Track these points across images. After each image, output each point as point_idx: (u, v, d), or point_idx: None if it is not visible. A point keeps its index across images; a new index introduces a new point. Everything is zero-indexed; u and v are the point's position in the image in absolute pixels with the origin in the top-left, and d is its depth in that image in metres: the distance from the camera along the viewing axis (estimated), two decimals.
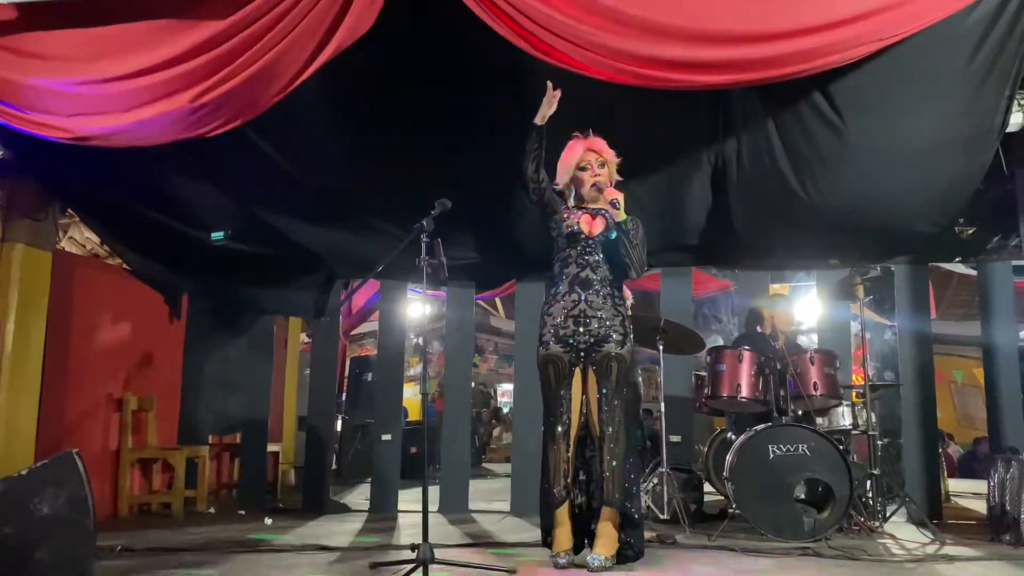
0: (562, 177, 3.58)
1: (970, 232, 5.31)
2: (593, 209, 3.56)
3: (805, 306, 7.74)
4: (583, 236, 3.52)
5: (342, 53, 3.56)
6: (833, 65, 3.55)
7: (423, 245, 3.33)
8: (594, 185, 3.51)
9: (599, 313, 3.44)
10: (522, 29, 3.42)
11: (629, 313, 3.58)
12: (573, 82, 3.69)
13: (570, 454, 3.42)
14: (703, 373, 5.20)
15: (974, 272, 5.97)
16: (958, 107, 3.97)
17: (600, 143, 3.57)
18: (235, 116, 3.76)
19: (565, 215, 3.57)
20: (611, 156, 3.57)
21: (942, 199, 4.60)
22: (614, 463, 3.34)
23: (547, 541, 3.47)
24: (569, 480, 3.42)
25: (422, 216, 3.37)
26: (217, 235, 5.32)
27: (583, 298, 3.45)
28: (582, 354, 3.44)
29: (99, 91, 3.68)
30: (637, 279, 3.63)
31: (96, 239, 6.34)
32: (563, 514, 3.40)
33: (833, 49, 3.49)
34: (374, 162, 4.68)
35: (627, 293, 5.76)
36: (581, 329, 3.43)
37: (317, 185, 4.85)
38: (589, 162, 3.55)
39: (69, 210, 5.58)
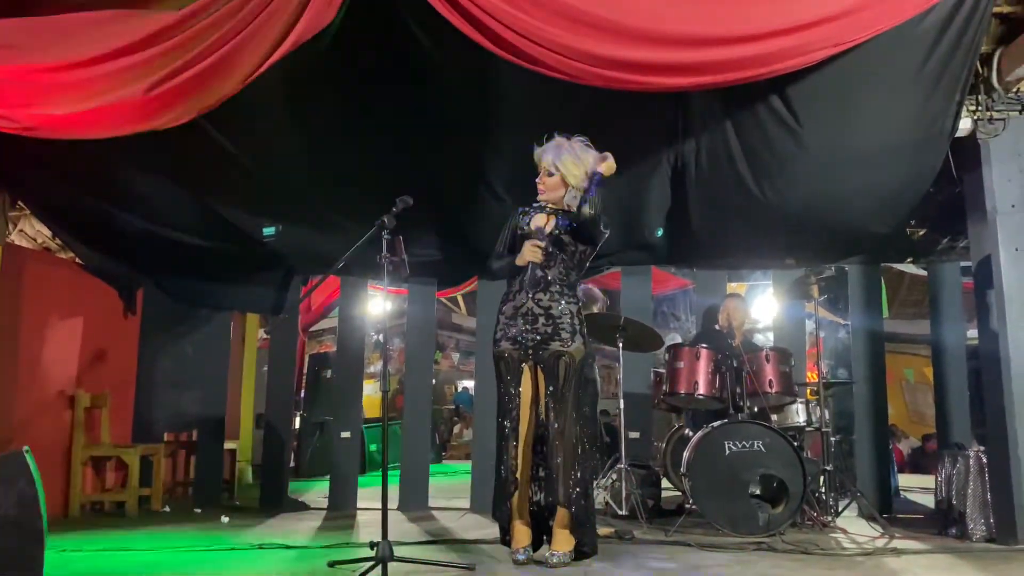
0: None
1: (921, 233, 5.45)
2: (550, 209, 3.62)
3: (761, 305, 7.86)
4: (533, 236, 3.57)
5: (301, 47, 3.52)
6: (790, 69, 3.61)
7: (384, 242, 3.32)
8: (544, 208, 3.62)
9: (547, 311, 3.47)
10: (485, 27, 3.41)
11: (581, 309, 3.60)
12: (535, 82, 3.71)
13: (520, 448, 3.46)
14: (662, 370, 5.25)
15: (925, 272, 6.12)
16: (910, 111, 4.06)
17: (539, 153, 3.59)
18: (190, 109, 3.69)
19: (523, 218, 3.65)
20: (550, 162, 3.54)
21: (894, 200, 4.70)
22: (558, 459, 3.37)
23: (505, 539, 3.50)
24: (519, 475, 3.44)
25: (383, 213, 3.36)
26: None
27: (531, 296, 3.49)
28: (530, 351, 3.48)
29: (49, 80, 3.58)
30: (606, 232, 3.59)
31: (48, 232, 6.20)
32: (514, 507, 3.44)
33: (790, 54, 3.55)
34: (334, 158, 4.64)
35: (598, 295, 5.81)
36: (528, 327, 3.47)
37: (276, 180, 4.79)
38: (540, 171, 3.61)
39: (19, 203, 5.45)
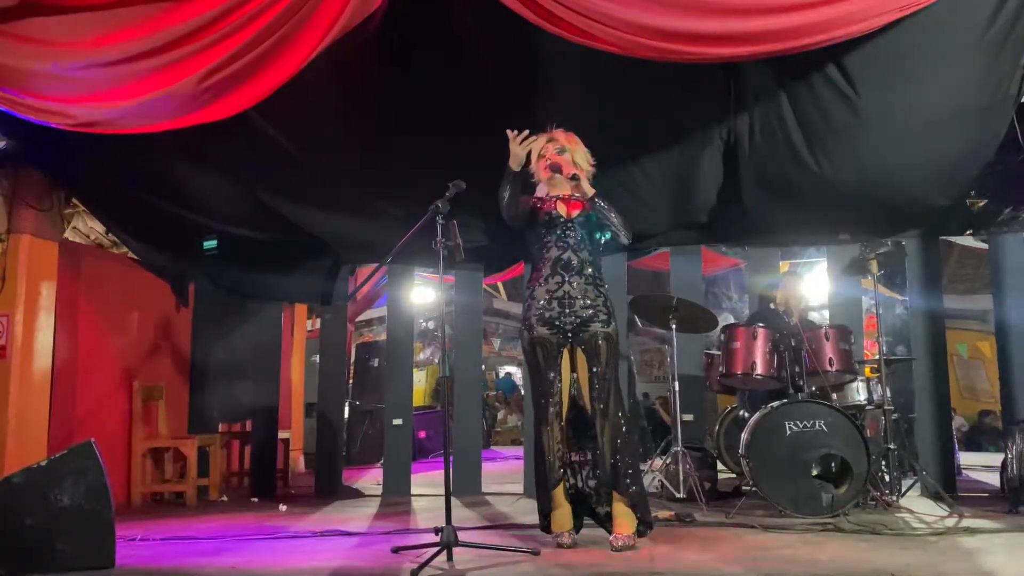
0: (533, 168, 3.61)
1: (981, 204, 5.27)
2: (567, 196, 3.57)
3: (814, 282, 7.71)
4: (562, 220, 3.53)
5: (347, 35, 3.50)
6: (850, 36, 3.50)
7: (439, 227, 3.29)
8: (549, 166, 3.53)
9: (583, 294, 3.44)
10: (531, 2, 3.36)
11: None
12: (584, 60, 3.65)
13: (563, 433, 3.44)
14: (714, 351, 5.17)
15: (977, 244, 5.93)
16: (972, 77, 3.92)
17: (561, 134, 3.58)
18: (242, 99, 3.71)
19: (540, 204, 3.58)
20: (574, 144, 3.57)
21: (954, 170, 4.56)
22: (609, 440, 3.35)
23: (545, 524, 3.49)
24: (563, 460, 3.43)
25: (429, 199, 3.33)
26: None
27: (566, 280, 3.45)
28: (569, 335, 3.44)
29: (102, 75, 3.63)
30: (628, 243, 3.69)
31: (100, 228, 6.30)
32: (560, 494, 3.43)
33: (849, 20, 3.43)
34: (379, 145, 4.63)
35: None
36: (567, 311, 3.43)
37: (323, 170, 4.80)
38: (546, 149, 3.57)
39: (73, 200, 5.54)
